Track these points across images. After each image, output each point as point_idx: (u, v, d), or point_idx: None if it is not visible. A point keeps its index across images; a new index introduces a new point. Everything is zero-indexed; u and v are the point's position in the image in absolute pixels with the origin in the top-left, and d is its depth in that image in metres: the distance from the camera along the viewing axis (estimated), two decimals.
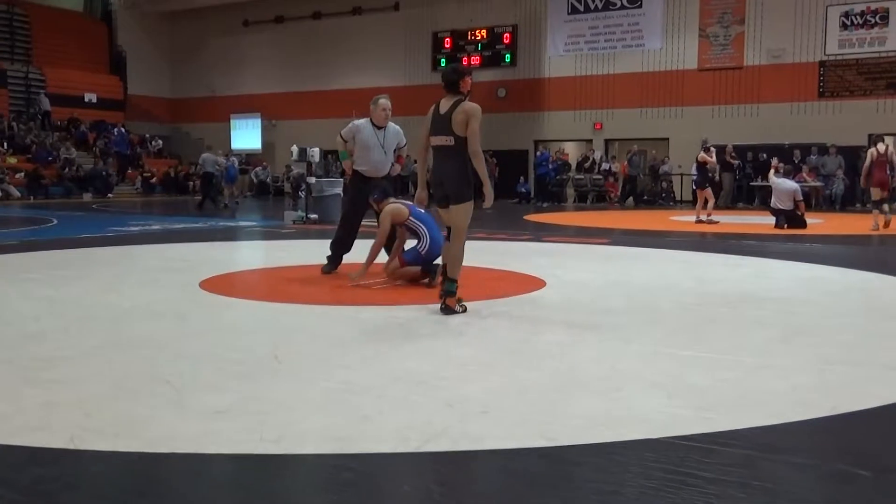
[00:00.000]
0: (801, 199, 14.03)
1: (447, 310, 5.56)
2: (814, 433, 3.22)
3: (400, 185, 24.68)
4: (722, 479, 2.69)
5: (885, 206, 13.68)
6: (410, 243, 7.02)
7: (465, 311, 5.60)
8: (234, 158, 24.21)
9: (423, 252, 6.78)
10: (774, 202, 13.99)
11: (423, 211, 6.90)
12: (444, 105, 5.66)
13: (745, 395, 3.68)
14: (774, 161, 15.35)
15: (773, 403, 3.54)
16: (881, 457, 2.97)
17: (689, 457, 2.88)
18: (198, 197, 21.89)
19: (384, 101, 7.31)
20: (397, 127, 7.49)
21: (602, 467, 2.83)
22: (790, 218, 13.74)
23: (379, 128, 7.32)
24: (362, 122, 7.41)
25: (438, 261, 6.60)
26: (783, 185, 13.95)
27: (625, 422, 3.27)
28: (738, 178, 22.36)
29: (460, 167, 5.59)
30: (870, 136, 22.33)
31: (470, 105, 5.58)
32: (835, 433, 3.25)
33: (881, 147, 13.69)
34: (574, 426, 3.22)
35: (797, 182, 14.96)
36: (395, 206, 6.94)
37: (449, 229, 5.77)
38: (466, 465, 2.90)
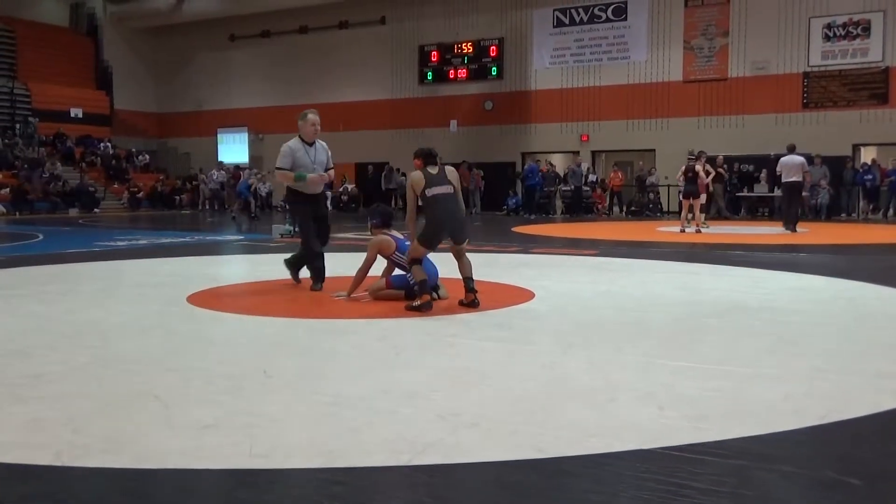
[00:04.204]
0: (808, 169, 16.25)
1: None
2: (805, 442, 3.22)
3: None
4: (714, 489, 2.69)
5: (702, 216, 16.14)
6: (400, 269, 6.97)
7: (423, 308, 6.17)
8: (246, 171, 25.64)
9: (412, 282, 6.70)
10: (787, 177, 15.56)
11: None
12: (433, 169, 6.52)
13: (736, 404, 3.68)
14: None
15: (764, 413, 3.54)
16: (872, 465, 2.98)
17: (681, 467, 2.88)
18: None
19: (312, 117, 7.41)
20: (324, 143, 7.62)
21: (594, 478, 2.82)
22: (793, 206, 15.79)
23: (309, 144, 7.43)
24: (293, 143, 7.45)
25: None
26: (791, 161, 15.59)
27: (617, 432, 3.26)
28: (729, 189, 22.40)
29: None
30: (854, 145, 22.60)
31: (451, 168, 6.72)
32: (826, 442, 3.25)
33: (698, 165, 15.98)
34: (566, 437, 3.21)
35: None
36: (384, 239, 6.90)
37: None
38: (458, 478, 2.88)
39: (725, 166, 21.75)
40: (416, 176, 6.45)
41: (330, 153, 7.67)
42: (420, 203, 6.50)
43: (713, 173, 16.22)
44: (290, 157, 7.34)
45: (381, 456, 2.99)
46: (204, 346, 5.08)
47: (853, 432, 3.35)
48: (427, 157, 6.55)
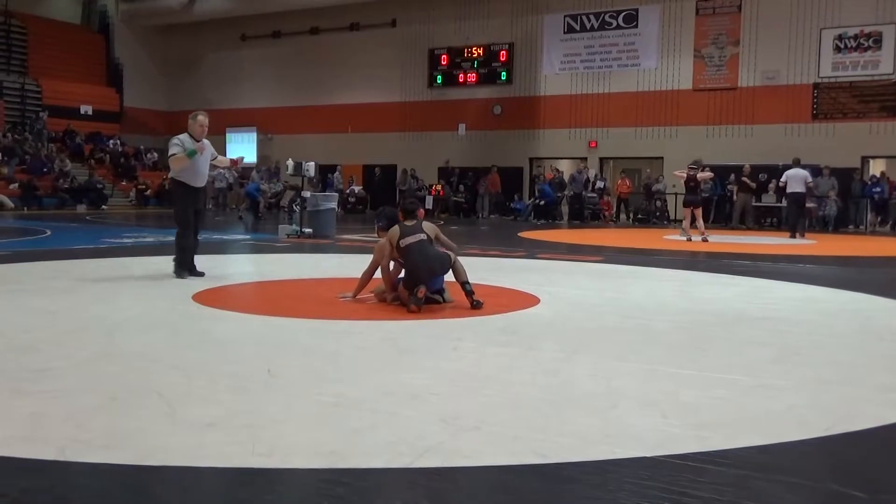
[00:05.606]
0: (812, 181, 17.41)
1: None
2: (808, 453, 3.21)
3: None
4: (716, 498, 2.68)
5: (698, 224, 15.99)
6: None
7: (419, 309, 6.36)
8: (254, 173, 26.33)
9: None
10: (791, 188, 16.64)
11: None
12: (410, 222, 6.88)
13: (739, 414, 3.67)
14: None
15: (767, 423, 3.53)
16: (876, 478, 2.96)
17: (682, 476, 2.87)
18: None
19: (202, 118, 8.19)
20: (208, 141, 8.41)
21: (596, 485, 2.82)
22: (800, 216, 17.19)
23: (197, 141, 8.12)
24: (183, 137, 8.15)
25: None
26: (795, 173, 16.63)
27: (619, 439, 3.26)
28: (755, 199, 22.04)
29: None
30: (863, 157, 22.53)
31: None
32: (829, 453, 3.24)
33: (691, 172, 15.97)
34: (568, 443, 3.21)
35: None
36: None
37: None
38: (459, 481, 2.88)
39: (750, 175, 21.50)
40: (394, 229, 6.84)
41: (214, 149, 8.50)
42: (398, 253, 6.79)
43: (700, 182, 16.15)
44: (181, 147, 8.06)
45: (383, 458, 2.99)
46: (208, 345, 5.09)
47: (857, 444, 3.34)
48: (407, 212, 7.00)
